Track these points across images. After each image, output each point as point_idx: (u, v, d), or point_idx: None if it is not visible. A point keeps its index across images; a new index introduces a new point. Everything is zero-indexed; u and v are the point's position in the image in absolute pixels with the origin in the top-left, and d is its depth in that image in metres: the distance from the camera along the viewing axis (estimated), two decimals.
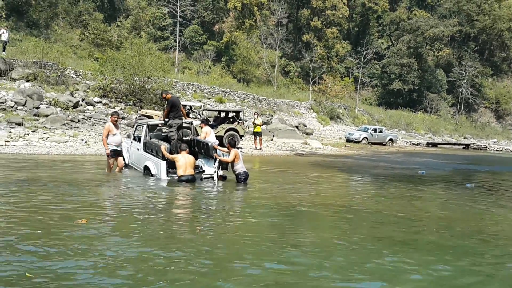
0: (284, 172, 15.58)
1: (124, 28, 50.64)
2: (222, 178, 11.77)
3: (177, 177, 10.86)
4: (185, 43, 51.57)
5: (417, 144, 41.94)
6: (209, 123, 17.50)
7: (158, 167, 11.26)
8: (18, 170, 11.77)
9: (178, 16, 47.13)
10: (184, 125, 12.63)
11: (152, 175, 11.43)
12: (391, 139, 37.85)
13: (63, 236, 5.75)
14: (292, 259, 5.38)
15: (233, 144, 11.50)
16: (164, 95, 12.57)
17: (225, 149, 11.71)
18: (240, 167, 11.31)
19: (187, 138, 12.59)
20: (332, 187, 12.61)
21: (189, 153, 11.50)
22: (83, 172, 12.23)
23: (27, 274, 4.44)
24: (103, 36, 42.53)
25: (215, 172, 11.32)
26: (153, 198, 9.24)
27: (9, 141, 17.24)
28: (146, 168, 11.75)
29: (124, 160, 12.38)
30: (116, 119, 11.86)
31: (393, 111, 55.36)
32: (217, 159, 11.34)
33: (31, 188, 9.08)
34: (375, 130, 37.33)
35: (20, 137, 18.10)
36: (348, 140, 35.53)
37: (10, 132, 18.46)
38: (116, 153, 11.84)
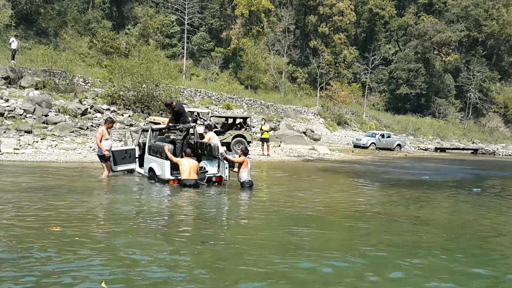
0: (292, 177, 15.60)
1: (132, 35, 51.02)
2: (218, 184, 12.01)
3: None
4: (192, 50, 51.82)
5: (425, 149, 41.76)
6: (215, 129, 17.67)
7: (162, 167, 11.48)
8: (27, 177, 11.90)
9: (185, 24, 47.39)
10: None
11: (156, 176, 11.67)
12: (399, 145, 37.70)
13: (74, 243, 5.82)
14: (300, 265, 5.39)
15: (245, 153, 11.67)
16: (170, 105, 12.72)
17: (231, 158, 11.88)
18: (245, 176, 11.39)
19: (190, 141, 12.76)
20: (340, 193, 12.58)
21: (193, 155, 11.84)
22: (90, 179, 12.32)
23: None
24: (112, 44, 42.87)
25: (226, 168, 11.62)
26: (160, 204, 9.31)
27: (18, 149, 17.39)
28: (151, 170, 11.99)
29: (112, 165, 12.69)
30: (111, 127, 12.47)
31: (401, 116, 55.18)
32: (224, 159, 11.64)
33: (40, 195, 9.18)
34: (383, 136, 37.21)
35: (29, 144, 18.25)
36: (355, 146, 35.45)
37: (19, 139, 18.62)
38: (106, 158, 12.19)
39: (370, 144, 35.40)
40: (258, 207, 9.51)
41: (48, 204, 8.38)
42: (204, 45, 52.84)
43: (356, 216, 8.95)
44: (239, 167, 11.55)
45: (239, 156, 11.68)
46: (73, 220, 7.18)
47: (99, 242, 6.03)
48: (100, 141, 11.97)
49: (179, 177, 11.17)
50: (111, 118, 13.33)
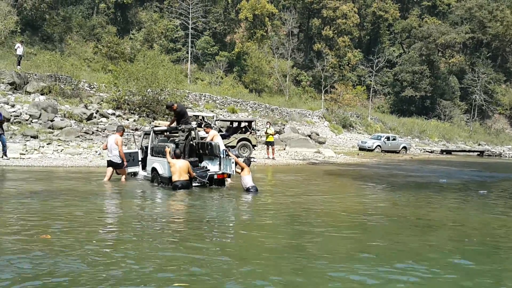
0: (298, 181, 15.60)
1: (137, 40, 51.19)
2: (220, 182, 12.21)
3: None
4: (197, 54, 51.94)
5: (431, 152, 41.65)
6: (220, 133, 17.76)
7: (165, 166, 11.65)
8: (33, 182, 11.97)
9: (190, 28, 47.53)
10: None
11: (159, 175, 11.90)
12: (404, 147, 37.61)
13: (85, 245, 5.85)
14: (307, 270, 5.37)
15: (248, 164, 11.85)
16: (171, 107, 13.04)
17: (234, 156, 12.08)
18: (249, 182, 11.46)
19: (192, 142, 12.88)
20: (346, 196, 12.59)
21: (195, 156, 12.33)
22: (96, 184, 12.38)
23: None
24: (116, 49, 43.05)
25: (233, 163, 11.80)
26: (163, 207, 9.35)
27: (24, 154, 17.50)
28: (154, 170, 12.23)
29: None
30: (122, 134, 13.14)
31: (406, 119, 55.11)
32: (227, 155, 11.90)
33: (45, 200, 9.23)
34: (388, 138, 37.14)
35: (35, 149, 18.36)
36: (361, 149, 35.41)
37: (25, 145, 18.74)
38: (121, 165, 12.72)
39: (376, 147, 35.35)
40: (264, 211, 9.51)
41: (55, 208, 8.42)
42: (208, 49, 52.95)
43: (364, 219, 8.92)
44: (242, 173, 11.60)
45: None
46: (83, 224, 7.21)
47: (106, 245, 6.06)
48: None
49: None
50: (122, 126, 13.66)
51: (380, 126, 49.68)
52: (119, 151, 12.45)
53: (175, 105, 12.98)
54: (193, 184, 11.56)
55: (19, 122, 21.66)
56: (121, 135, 12.85)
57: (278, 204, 10.31)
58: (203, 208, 9.52)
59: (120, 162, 12.55)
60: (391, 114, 57.79)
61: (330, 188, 14.01)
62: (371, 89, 55.67)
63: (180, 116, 12.55)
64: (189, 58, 48.35)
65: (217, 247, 6.22)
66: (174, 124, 12.88)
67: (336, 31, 58.22)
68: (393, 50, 66.07)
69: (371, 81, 56.12)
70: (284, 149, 28.36)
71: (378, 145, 35.65)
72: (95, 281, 4.58)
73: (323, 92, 51.58)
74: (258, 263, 5.55)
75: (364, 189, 14.27)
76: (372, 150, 34.87)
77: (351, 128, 45.85)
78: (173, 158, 11.31)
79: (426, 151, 41.75)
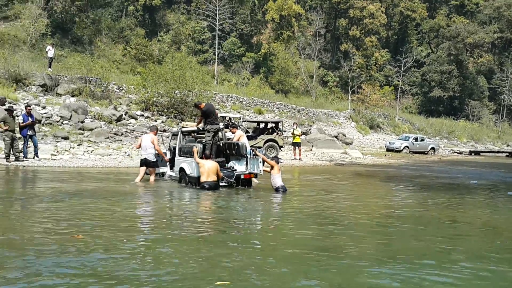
0: (325, 182, 15.57)
1: (165, 42, 51.76)
2: (247, 182, 12.30)
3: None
4: (224, 55, 52.20)
5: (460, 153, 41.01)
6: (247, 134, 17.89)
7: (192, 166, 11.80)
8: (64, 182, 12.24)
9: (217, 30, 47.78)
10: None
11: (187, 175, 12.07)
12: (432, 148, 37.13)
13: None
14: (327, 273, 5.36)
15: (277, 161, 11.93)
16: (199, 106, 13.10)
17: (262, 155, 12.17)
18: (279, 181, 11.52)
19: (219, 143, 13.01)
20: (374, 197, 12.47)
21: (222, 156, 12.47)
22: (126, 183, 12.58)
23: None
24: (145, 51, 43.65)
25: (261, 163, 11.91)
26: (194, 207, 9.47)
27: (55, 155, 17.90)
28: (182, 170, 12.40)
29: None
30: (156, 133, 13.19)
31: (434, 119, 54.33)
32: (255, 155, 12.03)
33: (78, 200, 9.43)
34: (416, 139, 36.73)
35: (65, 150, 18.75)
36: (388, 149, 35.10)
37: (56, 146, 19.16)
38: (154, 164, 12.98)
39: (403, 148, 35.00)
40: (292, 211, 9.53)
41: (87, 208, 8.59)
42: (235, 51, 53.15)
43: (392, 221, 8.87)
44: (271, 172, 11.65)
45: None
46: (116, 224, 7.35)
47: (140, 245, 6.18)
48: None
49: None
50: (155, 126, 13.92)
51: (408, 126, 49.12)
52: (156, 149, 12.68)
53: (203, 104, 13.05)
54: (220, 184, 11.64)
55: (50, 124, 22.13)
56: (155, 134, 13.03)
57: (306, 204, 10.33)
58: (232, 208, 9.60)
59: (155, 160, 12.76)
60: (419, 114, 57.07)
61: (358, 189, 13.95)
62: (399, 89, 55.09)
63: (206, 115, 12.58)
64: (216, 60, 48.61)
65: (251, 247, 6.31)
66: (201, 125, 12.95)
67: (363, 31, 57.78)
68: (421, 50, 65.22)
69: (398, 81, 55.55)
70: (311, 150, 28.32)
71: (406, 146, 35.29)
72: (143, 281, 4.66)
73: (350, 92, 51.27)
74: (294, 262, 5.59)
75: (393, 190, 14.16)
76: (400, 151, 34.53)
77: (379, 129, 45.45)
78: (202, 158, 11.45)
79: (455, 152, 41.13)
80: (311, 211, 9.51)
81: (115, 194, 10.46)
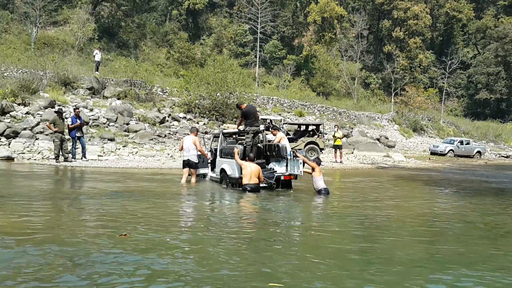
0: (366, 185, 15.42)
1: (207, 45, 52.50)
2: (287, 183, 12.36)
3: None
4: (265, 58, 52.44)
5: (507, 157, 39.79)
6: (288, 136, 17.94)
7: (233, 166, 11.99)
8: (110, 182, 12.64)
9: (258, 32, 48.06)
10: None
11: (227, 176, 12.27)
12: (478, 152, 36.22)
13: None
14: (381, 277, 5.27)
15: (318, 163, 11.91)
16: (240, 106, 13.24)
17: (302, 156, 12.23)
18: (321, 184, 11.51)
19: (259, 144, 13.12)
20: (418, 201, 12.19)
21: (263, 157, 12.57)
22: (169, 184, 12.87)
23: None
24: (188, 54, 44.34)
25: (301, 164, 11.96)
26: (231, 208, 9.61)
27: (102, 156, 18.48)
28: (222, 171, 12.60)
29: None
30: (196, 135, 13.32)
31: (481, 122, 52.88)
32: (295, 156, 12.00)
33: (125, 200, 9.73)
34: (461, 142, 35.91)
35: (111, 151, 19.32)
36: (432, 153, 34.44)
37: (103, 147, 19.75)
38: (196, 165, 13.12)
39: (448, 151, 34.26)
40: (335, 214, 9.47)
41: (133, 208, 8.86)
42: (276, 53, 53.32)
43: (437, 226, 8.68)
44: (313, 174, 11.66)
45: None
46: (162, 224, 7.54)
47: (191, 244, 6.35)
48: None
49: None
50: (195, 127, 14.09)
51: (453, 129, 48.06)
52: (198, 150, 12.82)
53: (244, 104, 13.15)
54: (260, 185, 11.74)
55: (97, 126, 22.79)
56: (196, 136, 13.12)
57: (350, 207, 10.26)
58: (275, 210, 9.57)
59: (197, 162, 12.91)
60: (465, 117, 55.74)
61: (400, 193, 13.77)
62: (444, 91, 53.96)
63: (245, 117, 12.71)
64: (257, 62, 48.88)
65: (297, 249, 6.35)
66: (242, 126, 13.11)
67: (407, 32, 56.99)
68: (467, 51, 63.70)
69: (443, 83, 54.44)
70: (352, 152, 28.12)
71: (451, 149, 34.54)
72: (200, 282, 4.73)
73: (393, 94, 50.56)
74: (344, 266, 5.58)
75: (437, 195, 13.85)
76: (444, 155, 33.83)
77: (422, 132, 44.64)
78: (245, 161, 11.62)
79: (502, 156, 39.95)
80: (354, 213, 9.44)
81: (159, 195, 10.69)
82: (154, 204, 9.44)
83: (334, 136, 23.64)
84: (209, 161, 14.06)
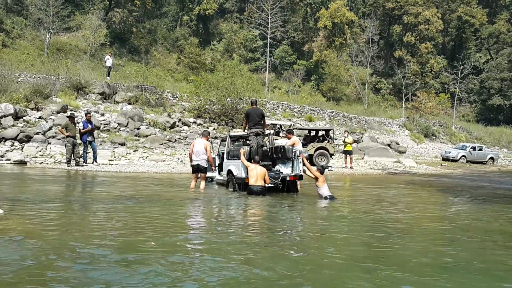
0: (376, 190, 15.32)
1: (217, 51, 52.74)
2: (293, 184, 12.39)
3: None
4: (275, 63, 52.57)
5: None
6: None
7: (239, 167, 12.18)
8: (121, 187, 12.74)
9: (268, 38, 48.24)
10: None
11: (234, 177, 12.35)
12: (491, 158, 35.93)
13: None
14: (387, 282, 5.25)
15: (321, 172, 11.83)
16: (252, 103, 13.58)
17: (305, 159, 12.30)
18: (325, 191, 11.45)
19: (265, 148, 13.19)
20: (428, 207, 12.01)
21: (269, 160, 12.68)
22: (179, 189, 12.94)
23: None
24: (198, 60, 44.60)
25: (301, 163, 12.13)
26: (241, 213, 9.66)
27: (113, 160, 18.65)
28: (229, 172, 12.67)
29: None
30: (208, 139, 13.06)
31: (494, 128, 52.49)
32: (302, 160, 12.14)
33: (136, 204, 9.82)
34: (474, 148, 35.65)
35: (122, 156, 19.47)
36: (444, 159, 34.23)
37: (114, 151, 19.92)
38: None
39: (461, 157, 34.00)
40: (342, 219, 9.49)
41: (145, 212, 8.93)
42: (286, 58, 53.45)
43: (448, 233, 8.56)
44: (316, 183, 11.63)
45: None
46: (176, 229, 7.62)
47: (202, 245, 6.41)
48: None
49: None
50: (207, 131, 14.01)
51: (465, 135, 47.79)
52: (207, 156, 12.54)
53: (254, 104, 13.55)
54: (266, 186, 11.75)
55: (108, 130, 22.99)
56: (207, 140, 12.86)
57: (360, 213, 10.16)
58: (284, 215, 9.55)
59: (207, 166, 12.73)
60: (477, 123, 55.40)
61: (411, 199, 13.67)
62: (456, 97, 53.68)
63: (247, 118, 13.01)
64: (267, 67, 49.03)
65: (308, 255, 6.31)
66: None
67: (418, 37, 56.87)
68: (480, 56, 63.35)
69: (455, 88, 54.15)
70: (363, 158, 28.06)
71: (463, 155, 34.28)
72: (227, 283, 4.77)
73: (403, 100, 50.42)
74: (364, 272, 5.50)
75: (448, 201, 13.68)
76: (456, 161, 33.58)
77: (434, 137, 44.43)
78: (251, 163, 11.71)
79: None
80: (364, 219, 9.37)
81: (169, 199, 10.73)
82: (163, 208, 9.43)
83: (344, 141, 23.59)
84: (216, 165, 14.16)
